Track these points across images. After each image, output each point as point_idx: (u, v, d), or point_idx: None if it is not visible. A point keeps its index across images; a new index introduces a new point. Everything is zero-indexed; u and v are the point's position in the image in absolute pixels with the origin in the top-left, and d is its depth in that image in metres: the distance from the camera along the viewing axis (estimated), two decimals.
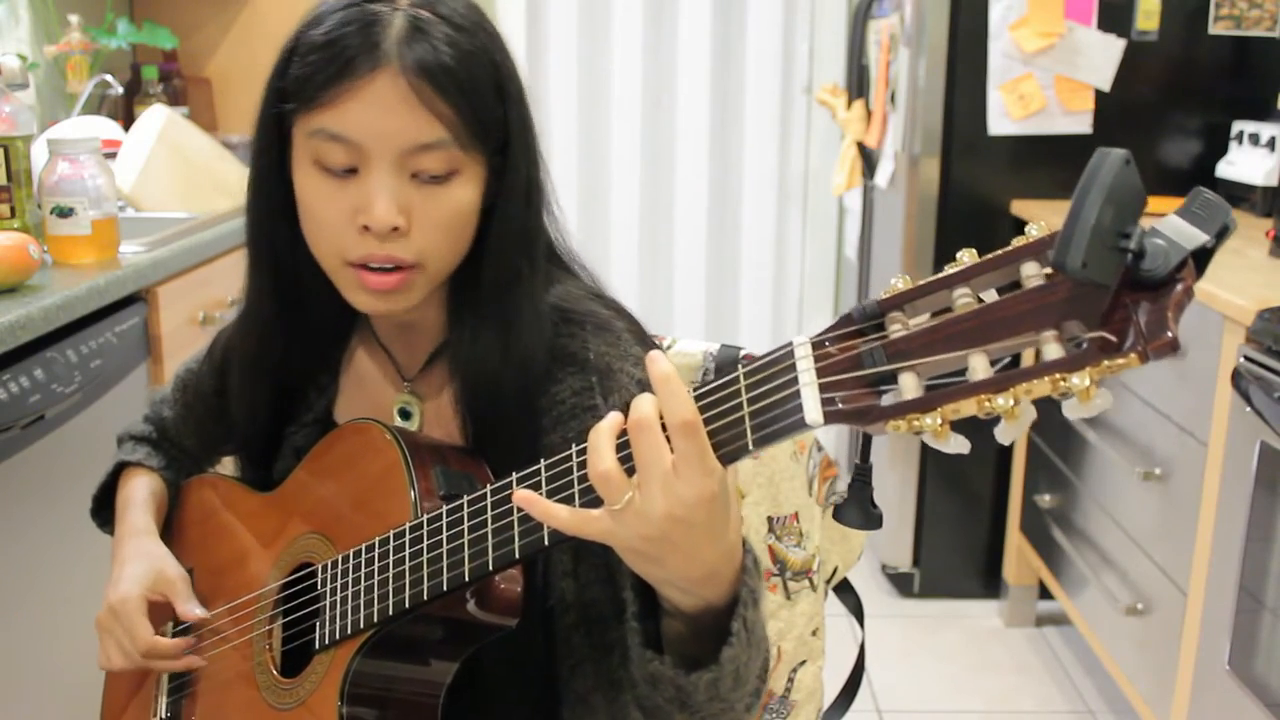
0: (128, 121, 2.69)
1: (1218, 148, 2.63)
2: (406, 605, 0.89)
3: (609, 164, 3.80)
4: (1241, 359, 1.71)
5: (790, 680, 1.18)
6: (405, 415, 1.05)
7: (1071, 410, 0.61)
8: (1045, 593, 2.75)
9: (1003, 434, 0.62)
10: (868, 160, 3.14)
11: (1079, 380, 0.59)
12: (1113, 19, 2.60)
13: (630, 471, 0.74)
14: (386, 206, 0.89)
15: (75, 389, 1.69)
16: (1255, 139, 2.50)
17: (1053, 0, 2.58)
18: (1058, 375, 0.60)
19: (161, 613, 1.10)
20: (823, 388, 0.68)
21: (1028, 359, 0.62)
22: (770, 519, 1.14)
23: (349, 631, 0.93)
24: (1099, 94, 2.63)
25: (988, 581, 2.91)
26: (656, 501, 0.73)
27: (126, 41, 2.93)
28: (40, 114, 2.69)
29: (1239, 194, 2.54)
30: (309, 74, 0.89)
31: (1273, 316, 1.66)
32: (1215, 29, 2.61)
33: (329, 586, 0.96)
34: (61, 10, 2.77)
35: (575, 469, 0.79)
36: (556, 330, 0.99)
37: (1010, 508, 2.83)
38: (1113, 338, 0.59)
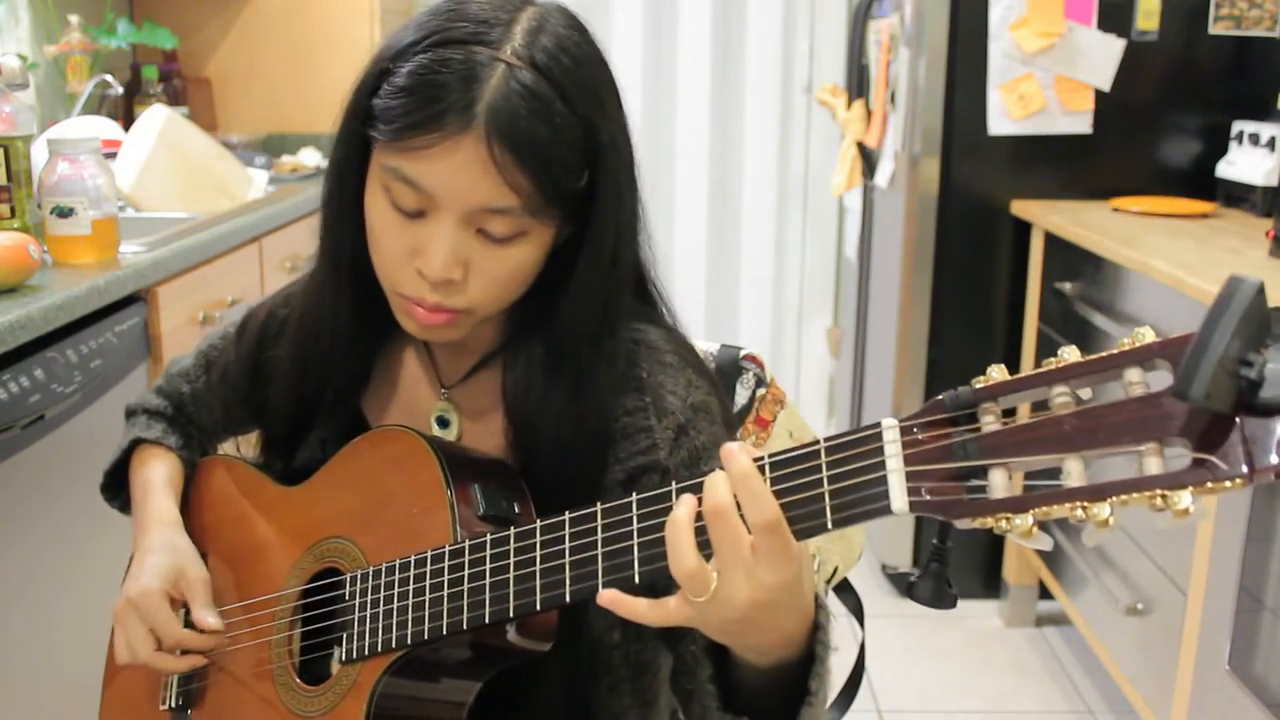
0: (128, 121, 2.69)
1: (1218, 148, 2.63)
2: (444, 632, 0.88)
3: None
4: None
5: None
6: (443, 424, 1.03)
7: (1164, 522, 0.60)
8: (1045, 593, 2.75)
9: (1089, 537, 0.62)
10: (868, 160, 3.14)
11: (1178, 499, 0.58)
12: (1113, 19, 2.60)
13: (708, 556, 0.73)
14: (444, 261, 0.87)
15: (75, 389, 1.69)
16: (1255, 139, 2.49)
17: (1053, 0, 2.58)
18: (1159, 491, 0.59)
19: (176, 609, 1.09)
20: (909, 475, 0.67)
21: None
22: None
23: (379, 649, 0.92)
24: (1099, 94, 2.63)
25: (988, 581, 2.91)
26: (739, 589, 0.72)
27: (126, 41, 2.93)
28: (40, 114, 2.69)
29: (1239, 194, 2.54)
30: (396, 112, 0.86)
31: (1273, 317, 1.66)
32: (1215, 29, 2.61)
33: (358, 600, 0.94)
34: (61, 10, 2.77)
35: (635, 520, 0.78)
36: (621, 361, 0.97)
37: None
38: (1220, 463, 0.58)
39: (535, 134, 0.84)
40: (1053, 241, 2.57)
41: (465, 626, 0.86)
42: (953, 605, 0.73)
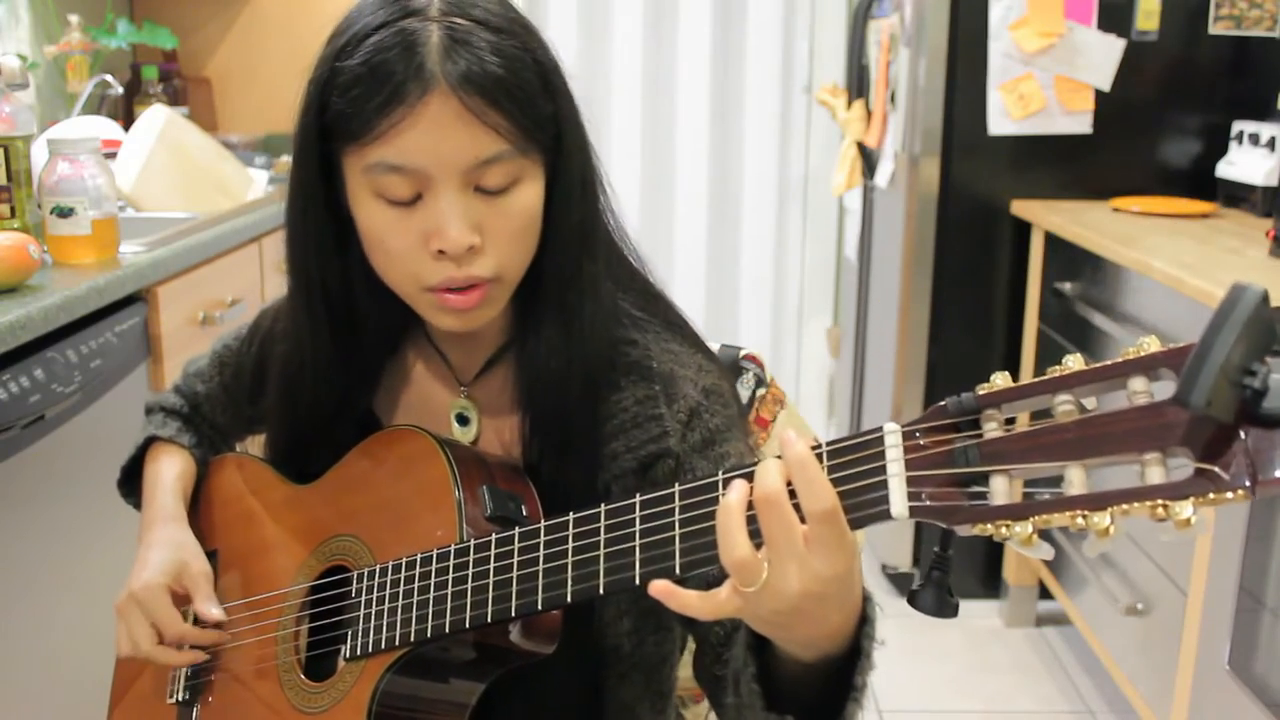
0: (128, 121, 2.69)
1: (1218, 148, 2.63)
2: (446, 630, 0.88)
3: (609, 164, 3.74)
4: None
5: None
6: (463, 421, 1.03)
7: (1165, 534, 0.59)
8: (1045, 593, 2.75)
9: (1090, 548, 0.61)
10: (868, 160, 3.14)
11: (1180, 509, 0.58)
12: (1113, 19, 2.60)
13: (759, 545, 0.71)
14: (460, 229, 0.87)
15: (75, 389, 1.69)
16: (1255, 139, 2.49)
17: (1053, 0, 2.58)
18: (1160, 501, 0.58)
19: (179, 603, 1.09)
20: (910, 481, 0.66)
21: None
22: None
23: (382, 646, 0.92)
24: (1099, 94, 2.63)
25: (988, 581, 2.91)
26: (791, 580, 0.70)
27: (126, 41, 2.94)
28: (40, 114, 2.69)
29: (1239, 194, 2.54)
30: (356, 108, 0.86)
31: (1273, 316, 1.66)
32: (1215, 29, 2.61)
33: (364, 597, 0.94)
34: (61, 10, 2.77)
35: (638, 522, 0.78)
36: (618, 335, 0.97)
37: None
38: (1223, 474, 0.57)
39: (496, 72, 0.85)
40: (1053, 242, 2.57)
41: (467, 625, 0.86)
42: (954, 614, 0.73)
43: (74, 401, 1.69)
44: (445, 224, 0.87)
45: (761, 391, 1.17)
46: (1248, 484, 0.57)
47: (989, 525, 0.63)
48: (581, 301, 0.95)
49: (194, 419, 1.21)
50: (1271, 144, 2.43)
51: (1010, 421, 0.66)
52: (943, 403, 0.67)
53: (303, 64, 0.93)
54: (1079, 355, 0.64)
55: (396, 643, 0.91)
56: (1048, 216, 2.54)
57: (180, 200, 2.42)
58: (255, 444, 1.20)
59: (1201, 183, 2.64)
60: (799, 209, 3.87)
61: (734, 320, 3.92)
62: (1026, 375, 0.71)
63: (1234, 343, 0.57)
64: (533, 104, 0.88)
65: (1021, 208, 2.69)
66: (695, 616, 0.74)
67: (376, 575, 0.94)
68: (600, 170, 0.99)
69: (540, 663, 0.94)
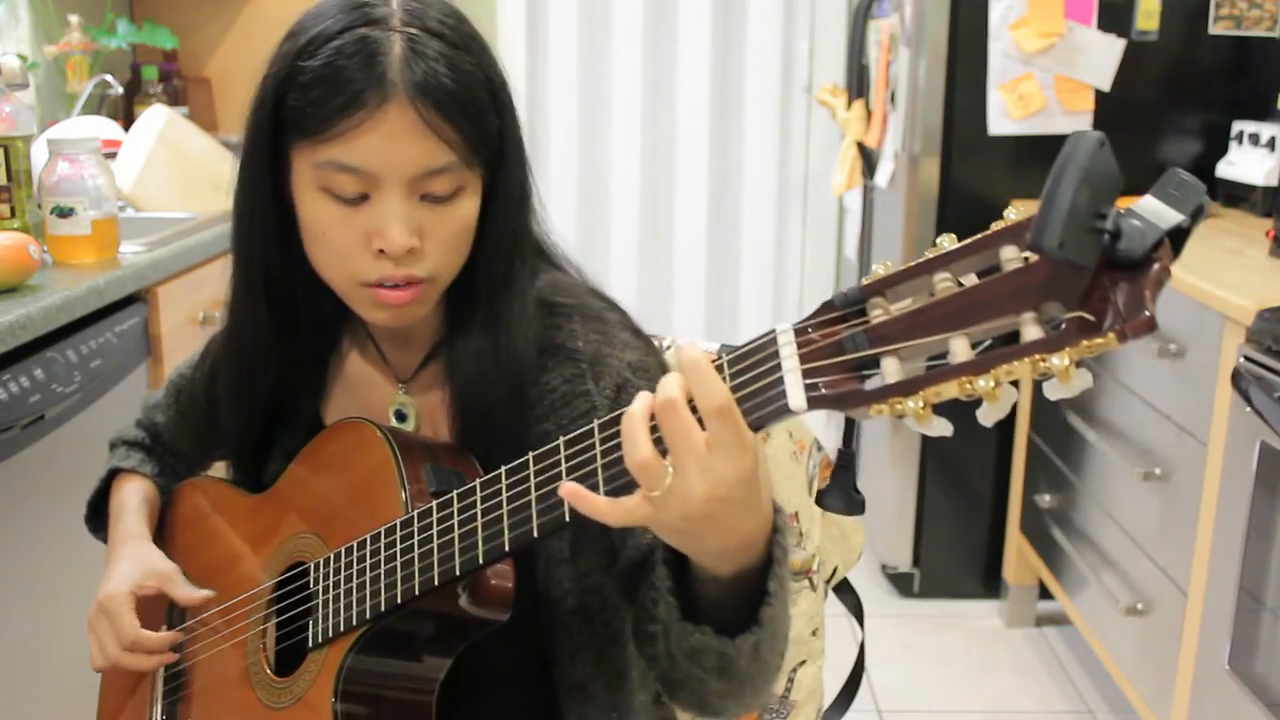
0: (128, 121, 2.69)
1: (1218, 148, 2.63)
2: (398, 601, 0.89)
3: (609, 164, 3.80)
4: (1241, 359, 1.71)
5: (790, 680, 1.18)
6: (401, 418, 1.05)
7: (1052, 391, 0.61)
8: (1045, 593, 2.75)
9: (985, 415, 0.63)
10: (868, 160, 3.14)
11: (1058, 361, 0.59)
12: (1113, 19, 2.60)
13: (664, 453, 0.73)
14: (402, 232, 0.90)
15: (75, 389, 1.69)
16: (1255, 139, 2.49)
17: (1053, 0, 2.58)
18: (1037, 356, 0.60)
19: (154, 611, 1.10)
20: (806, 373, 0.68)
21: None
22: None
23: (342, 629, 0.93)
24: (1099, 94, 2.63)
25: (988, 581, 2.91)
26: (695, 482, 0.72)
27: (126, 41, 2.93)
28: (40, 114, 2.69)
29: (1239, 194, 2.54)
30: (314, 108, 0.88)
31: (1273, 316, 1.66)
32: (1215, 29, 2.61)
33: (321, 585, 0.97)
34: (61, 10, 2.77)
35: (563, 461, 0.79)
36: (545, 322, 1.00)
37: (1010, 508, 2.83)
38: (1091, 317, 0.59)
39: (451, 87, 0.88)
40: None
41: (418, 592, 0.88)
42: (860, 511, 0.75)
43: (74, 401, 1.69)
44: (388, 226, 0.90)
45: None
46: (1118, 326, 0.58)
47: (883, 405, 0.65)
48: (510, 303, 0.98)
49: (155, 449, 1.23)
50: (1271, 144, 2.44)
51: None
52: (829, 298, 0.69)
53: (262, 69, 0.95)
54: (952, 235, 0.66)
55: (355, 622, 0.92)
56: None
57: (180, 200, 2.42)
58: (219, 472, 1.21)
59: (1202, 182, 2.64)
60: (799, 209, 3.87)
61: (734, 320, 3.92)
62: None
63: (1078, 185, 0.59)
64: (482, 119, 0.92)
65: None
66: (605, 522, 0.76)
67: (330, 562, 0.96)
68: (533, 184, 1.02)
69: (490, 643, 0.95)
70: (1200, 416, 1.87)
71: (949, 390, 0.63)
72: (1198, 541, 1.88)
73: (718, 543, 0.76)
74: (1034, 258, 0.61)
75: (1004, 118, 2.65)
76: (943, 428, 0.65)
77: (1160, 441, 2.03)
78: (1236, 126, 2.57)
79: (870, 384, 0.66)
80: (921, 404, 0.63)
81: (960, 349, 0.63)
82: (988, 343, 0.63)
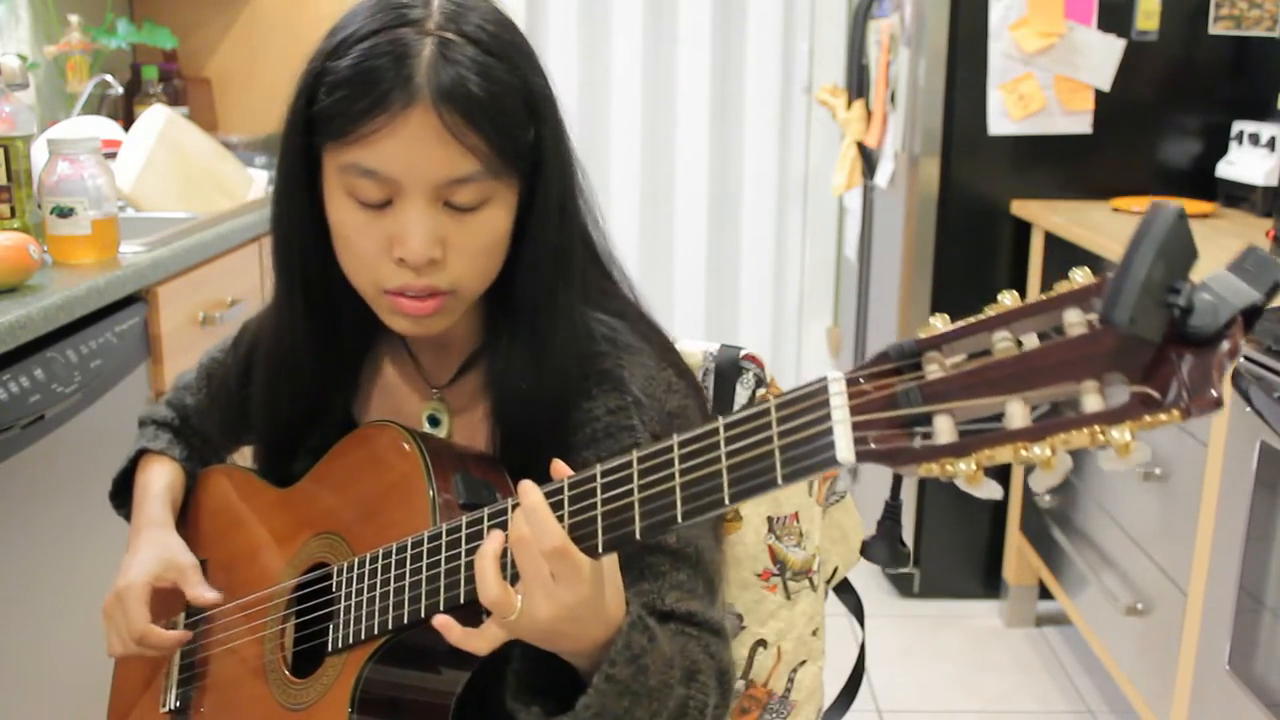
0: (128, 121, 2.69)
1: (1218, 148, 2.63)
2: (422, 615, 0.88)
3: (609, 164, 3.80)
4: (1241, 359, 1.71)
5: (790, 680, 1.18)
6: (434, 423, 1.04)
7: (1108, 462, 0.59)
8: (1045, 593, 2.75)
9: (1037, 482, 0.61)
10: (868, 160, 3.14)
11: (1118, 434, 0.58)
12: (1113, 19, 2.60)
13: (515, 579, 0.81)
14: (422, 240, 0.88)
15: (75, 389, 1.69)
16: (1255, 139, 2.49)
17: (1053, 0, 2.58)
18: (1098, 428, 0.58)
19: (172, 601, 1.10)
20: (856, 426, 0.66)
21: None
22: (770, 519, 1.14)
23: (362, 636, 0.93)
24: (1099, 94, 2.63)
25: (988, 581, 2.91)
26: (541, 607, 0.80)
27: (126, 41, 2.93)
28: (40, 114, 2.69)
29: (1239, 194, 2.54)
30: (340, 108, 0.87)
31: (1273, 316, 1.66)
32: (1215, 29, 2.61)
33: (344, 590, 0.96)
34: (61, 10, 2.77)
35: (599, 490, 0.79)
36: (595, 347, 0.98)
37: (1010, 508, 2.83)
38: (1155, 394, 0.57)
39: (479, 95, 0.86)
40: (1053, 241, 2.57)
41: (442, 608, 0.87)
42: (907, 563, 0.75)
43: (74, 401, 1.69)
44: (409, 234, 0.88)
45: (761, 391, 1.17)
46: (1183, 403, 0.57)
47: (934, 465, 0.63)
48: (553, 326, 0.96)
49: (184, 431, 1.22)
50: (1271, 144, 2.44)
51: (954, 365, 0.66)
52: (884, 349, 0.67)
53: (303, 64, 0.94)
54: (1013, 292, 0.64)
55: (376, 631, 0.92)
56: (1048, 216, 2.54)
57: (180, 200, 2.42)
58: (244, 457, 1.21)
59: (1201, 183, 2.64)
60: (799, 209, 3.87)
61: (734, 320, 3.92)
62: None
63: (1154, 260, 0.56)
64: (512, 129, 0.89)
65: (1021, 208, 2.69)
66: (472, 651, 0.84)
67: (355, 567, 0.95)
68: (587, 193, 1.01)
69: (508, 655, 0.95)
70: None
71: (1003, 455, 0.61)
72: (1198, 541, 1.88)
73: (570, 648, 0.84)
74: (1099, 324, 0.59)
75: (1004, 118, 2.65)
76: (993, 491, 0.63)
77: (1160, 441, 2.03)
78: (1236, 126, 2.57)
79: (920, 441, 0.64)
80: (974, 466, 0.62)
81: (1017, 413, 0.61)
82: (1045, 407, 0.62)
